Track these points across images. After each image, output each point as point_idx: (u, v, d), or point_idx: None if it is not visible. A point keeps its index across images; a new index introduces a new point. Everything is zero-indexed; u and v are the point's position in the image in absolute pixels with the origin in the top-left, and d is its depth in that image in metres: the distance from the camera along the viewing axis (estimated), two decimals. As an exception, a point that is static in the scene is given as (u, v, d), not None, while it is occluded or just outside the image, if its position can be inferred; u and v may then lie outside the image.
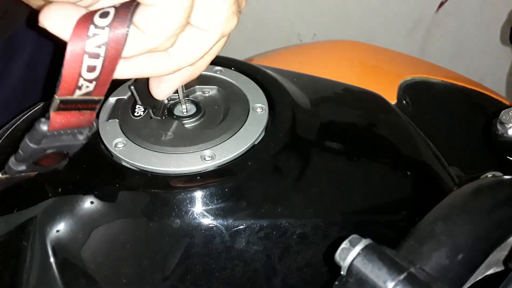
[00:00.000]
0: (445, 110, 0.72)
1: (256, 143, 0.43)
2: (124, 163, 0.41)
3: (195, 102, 0.47)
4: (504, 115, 0.38)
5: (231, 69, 0.51)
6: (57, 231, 0.39)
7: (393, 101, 0.66)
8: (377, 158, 0.47)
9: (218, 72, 0.50)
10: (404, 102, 0.68)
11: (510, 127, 0.38)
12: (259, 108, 0.45)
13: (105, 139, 0.43)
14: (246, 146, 0.42)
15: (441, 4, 1.41)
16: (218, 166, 0.41)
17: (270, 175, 0.41)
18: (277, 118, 0.45)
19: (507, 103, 0.76)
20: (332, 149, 0.46)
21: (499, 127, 0.39)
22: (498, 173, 0.52)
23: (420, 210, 0.45)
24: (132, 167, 0.41)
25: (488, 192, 0.27)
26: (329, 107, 0.50)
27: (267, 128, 0.44)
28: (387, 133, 0.49)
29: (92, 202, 0.40)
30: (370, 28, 1.45)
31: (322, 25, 1.43)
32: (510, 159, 0.39)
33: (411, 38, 1.48)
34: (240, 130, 0.43)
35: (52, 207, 0.40)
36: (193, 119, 0.45)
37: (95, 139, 0.43)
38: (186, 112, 0.46)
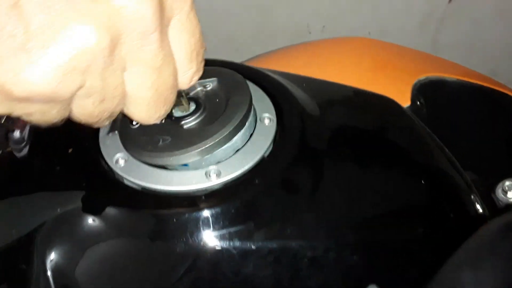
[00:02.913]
0: (461, 110, 0.69)
1: (263, 157, 0.40)
2: (126, 182, 0.39)
3: (195, 99, 0.43)
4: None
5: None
6: (57, 253, 0.38)
7: (407, 102, 0.63)
8: (391, 170, 0.44)
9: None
10: (419, 103, 0.65)
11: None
12: (267, 119, 0.43)
13: (105, 155, 0.41)
14: (253, 161, 0.39)
15: (455, -6, 1.37)
16: (224, 184, 0.38)
17: (278, 192, 0.39)
18: (285, 130, 0.42)
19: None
20: (343, 161, 0.43)
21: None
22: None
23: (437, 223, 0.43)
24: (134, 186, 0.39)
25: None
26: (340, 115, 0.47)
27: (275, 140, 0.42)
28: (401, 142, 0.47)
29: (92, 223, 0.38)
30: (381, 19, 1.41)
31: (331, 17, 1.40)
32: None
33: (424, 30, 1.45)
34: (246, 144, 0.41)
35: (51, 229, 0.38)
36: (196, 121, 0.42)
37: (96, 154, 0.41)
38: (189, 113, 0.42)
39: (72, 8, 0.26)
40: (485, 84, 0.72)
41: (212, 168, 0.39)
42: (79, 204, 0.38)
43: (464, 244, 0.25)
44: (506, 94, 0.71)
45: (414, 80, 0.67)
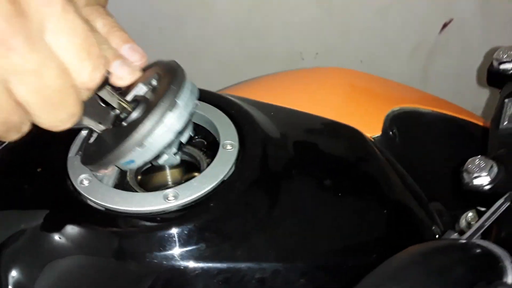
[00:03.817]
0: (433, 141, 0.71)
1: (223, 181, 0.42)
2: (88, 202, 0.41)
3: (138, 99, 0.42)
4: (469, 163, 0.37)
5: (206, 102, 0.50)
6: (18, 269, 0.39)
7: (378, 132, 0.65)
8: (347, 197, 0.46)
9: (192, 106, 0.50)
10: (391, 133, 0.67)
11: (475, 177, 0.37)
12: (229, 145, 0.45)
13: (71, 175, 0.43)
14: (211, 186, 0.41)
15: (445, 25, 1.40)
16: (181, 206, 0.40)
17: (232, 216, 0.41)
18: (246, 156, 0.44)
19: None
20: (301, 188, 0.45)
21: (465, 176, 0.38)
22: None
23: (390, 253, 0.44)
24: (96, 206, 0.41)
25: (424, 262, 0.26)
26: (302, 144, 0.49)
27: (236, 166, 0.44)
28: (360, 170, 0.49)
29: (53, 241, 0.39)
30: (373, 48, 1.44)
31: (324, 44, 1.42)
32: (480, 209, 0.38)
33: (414, 59, 1.47)
34: (207, 169, 0.43)
35: (14, 245, 0.40)
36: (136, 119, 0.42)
37: (63, 174, 0.43)
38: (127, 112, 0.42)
39: None
40: (460, 116, 0.74)
41: (171, 191, 0.41)
42: (41, 221, 0.40)
43: (372, 272, 0.27)
44: (478, 125, 0.73)
45: (387, 111, 0.69)
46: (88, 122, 0.40)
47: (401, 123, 0.69)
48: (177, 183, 0.49)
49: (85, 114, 0.38)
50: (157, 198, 0.40)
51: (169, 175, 0.50)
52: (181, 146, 0.44)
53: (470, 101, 1.46)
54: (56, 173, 0.43)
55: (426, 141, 0.71)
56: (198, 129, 0.50)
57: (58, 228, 0.40)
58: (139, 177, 0.47)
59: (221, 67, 1.40)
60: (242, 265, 0.39)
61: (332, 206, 0.44)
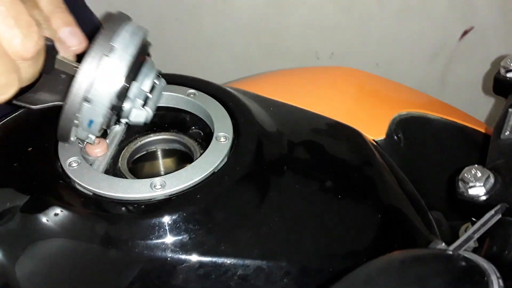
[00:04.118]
0: (439, 149, 0.70)
1: (211, 174, 0.41)
2: (75, 184, 0.41)
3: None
4: (466, 172, 0.36)
5: (206, 93, 0.50)
6: (1, 251, 0.39)
7: (382, 135, 0.64)
8: (339, 198, 0.45)
9: (191, 96, 0.49)
10: (396, 137, 0.66)
11: (470, 187, 0.36)
12: (223, 137, 0.44)
13: (61, 157, 0.42)
14: (200, 177, 0.41)
15: (465, 33, 1.37)
16: (167, 196, 0.40)
17: (219, 209, 0.40)
18: (238, 150, 0.43)
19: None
20: (292, 185, 0.44)
21: (460, 185, 0.36)
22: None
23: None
24: (82, 189, 0.40)
25: (400, 270, 0.25)
26: (299, 141, 0.48)
27: (228, 158, 0.43)
28: (356, 172, 0.47)
29: (36, 221, 0.39)
30: (390, 51, 1.42)
31: (340, 45, 1.41)
32: (474, 220, 0.37)
33: (433, 65, 1.45)
34: (198, 160, 0.42)
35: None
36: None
37: (53, 155, 0.43)
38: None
39: None
40: (468, 125, 0.72)
41: (158, 180, 0.40)
42: (26, 201, 0.40)
43: (343, 278, 0.26)
44: (488, 135, 0.71)
45: (394, 114, 0.68)
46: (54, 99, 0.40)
47: (407, 128, 0.67)
48: (168, 172, 0.48)
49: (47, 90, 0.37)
50: (144, 186, 0.40)
51: (161, 165, 0.49)
52: (150, 101, 0.42)
53: (488, 109, 1.44)
54: (46, 154, 0.43)
55: (432, 148, 0.70)
56: (194, 119, 0.50)
57: (43, 209, 0.39)
58: (130, 164, 0.47)
59: (236, 61, 1.40)
60: (225, 260, 0.38)
61: (322, 206, 0.43)
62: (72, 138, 0.41)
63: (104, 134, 0.47)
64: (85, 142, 0.44)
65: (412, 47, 1.42)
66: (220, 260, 0.38)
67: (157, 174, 0.49)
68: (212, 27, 1.34)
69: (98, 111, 0.39)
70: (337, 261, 0.41)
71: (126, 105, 0.41)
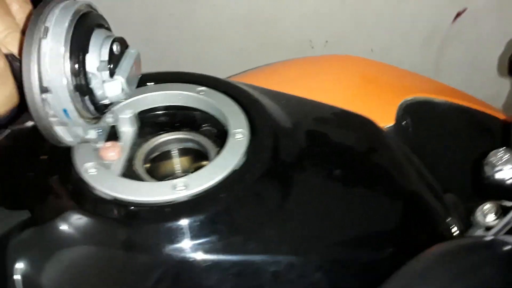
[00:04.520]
0: (447, 132, 0.69)
1: (232, 172, 0.41)
2: (95, 191, 0.40)
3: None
4: (492, 156, 0.36)
5: (215, 89, 0.49)
6: (24, 258, 0.38)
7: (391, 122, 0.64)
8: (360, 189, 0.45)
9: (201, 93, 0.48)
10: (404, 123, 0.66)
11: (497, 170, 0.35)
12: (239, 134, 0.44)
13: (77, 164, 0.42)
14: (222, 176, 0.40)
15: (458, 15, 1.37)
16: (191, 197, 0.39)
17: (244, 207, 0.39)
18: (256, 146, 0.43)
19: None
20: (312, 178, 0.44)
21: (486, 169, 0.36)
22: (497, 203, 0.50)
23: (404, 245, 0.43)
24: (102, 195, 0.40)
25: (452, 261, 0.24)
26: (315, 134, 0.48)
27: (247, 155, 0.42)
28: (373, 161, 0.47)
29: (60, 230, 0.38)
30: (384, 37, 1.41)
31: (334, 32, 1.40)
32: (501, 203, 0.37)
33: (427, 48, 1.44)
34: (216, 158, 0.42)
35: (19, 234, 0.39)
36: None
37: (68, 161, 0.42)
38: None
39: None
40: (473, 106, 0.72)
41: (180, 181, 0.39)
42: (47, 211, 0.39)
43: (398, 271, 0.25)
44: (493, 117, 0.71)
45: (400, 100, 0.67)
46: None
47: (415, 113, 0.67)
48: (185, 171, 0.48)
49: None
50: (166, 188, 0.39)
51: (177, 164, 0.49)
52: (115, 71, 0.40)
53: (482, 91, 1.44)
54: (61, 161, 0.42)
55: (440, 132, 0.70)
56: (205, 117, 0.49)
57: (66, 218, 0.39)
58: (147, 165, 0.46)
59: (230, 52, 1.39)
60: (255, 257, 0.37)
61: (345, 197, 0.43)
62: (68, 139, 0.40)
63: (116, 137, 0.46)
64: (99, 147, 0.44)
65: (406, 31, 1.42)
66: (251, 258, 0.37)
67: (174, 174, 0.48)
68: (206, 21, 1.33)
69: (63, 97, 0.36)
70: (366, 250, 0.41)
71: (92, 82, 0.39)
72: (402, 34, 1.42)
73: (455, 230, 0.51)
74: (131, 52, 0.43)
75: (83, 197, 0.39)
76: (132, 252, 0.38)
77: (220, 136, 0.47)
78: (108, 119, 0.46)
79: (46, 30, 0.36)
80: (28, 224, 0.39)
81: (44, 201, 0.40)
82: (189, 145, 0.49)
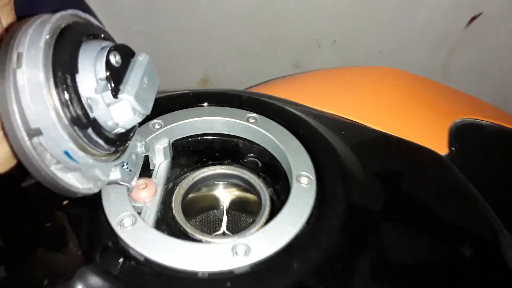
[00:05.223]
0: (496, 158, 0.63)
1: (301, 231, 0.33)
2: (130, 250, 0.32)
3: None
4: None
5: (265, 115, 0.41)
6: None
7: (444, 148, 0.56)
8: (443, 239, 0.37)
9: (251, 121, 0.40)
10: (454, 149, 0.59)
11: None
12: (305, 178, 0.36)
13: (109, 213, 0.33)
14: (289, 236, 0.32)
15: (473, 19, 1.31)
16: (253, 265, 0.31)
17: (320, 279, 0.32)
18: (326, 197, 0.35)
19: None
20: (390, 233, 0.36)
21: None
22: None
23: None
24: (139, 256, 0.31)
25: None
26: (386, 174, 0.40)
27: (314, 208, 0.34)
28: (447, 199, 0.40)
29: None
30: (394, 38, 1.35)
31: (343, 32, 1.33)
32: None
33: (436, 52, 1.39)
34: (282, 212, 0.34)
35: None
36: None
37: (97, 210, 0.33)
38: None
39: None
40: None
41: (240, 244, 0.31)
42: (73, 274, 0.31)
43: None
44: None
45: (450, 122, 0.60)
46: None
47: (463, 138, 0.60)
48: (234, 221, 0.40)
49: None
50: (223, 251, 0.31)
51: (223, 209, 0.41)
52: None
53: (492, 97, 1.39)
54: (89, 208, 0.33)
55: (488, 156, 0.63)
56: (247, 145, 0.41)
57: (93, 281, 0.30)
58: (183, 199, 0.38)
59: (235, 50, 1.32)
60: None
61: (425, 245, 0.36)
62: (85, 186, 0.31)
63: (148, 173, 0.38)
64: (129, 188, 0.35)
65: (417, 34, 1.36)
66: None
67: (214, 209, 0.40)
68: (209, 17, 1.26)
69: (58, 137, 0.28)
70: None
71: (93, 109, 0.30)
72: (412, 37, 1.36)
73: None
74: (139, 60, 0.32)
75: (123, 263, 0.31)
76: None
77: (268, 171, 0.39)
78: (138, 148, 0.37)
79: (20, 56, 0.27)
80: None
81: (68, 262, 0.31)
82: (234, 181, 0.41)
